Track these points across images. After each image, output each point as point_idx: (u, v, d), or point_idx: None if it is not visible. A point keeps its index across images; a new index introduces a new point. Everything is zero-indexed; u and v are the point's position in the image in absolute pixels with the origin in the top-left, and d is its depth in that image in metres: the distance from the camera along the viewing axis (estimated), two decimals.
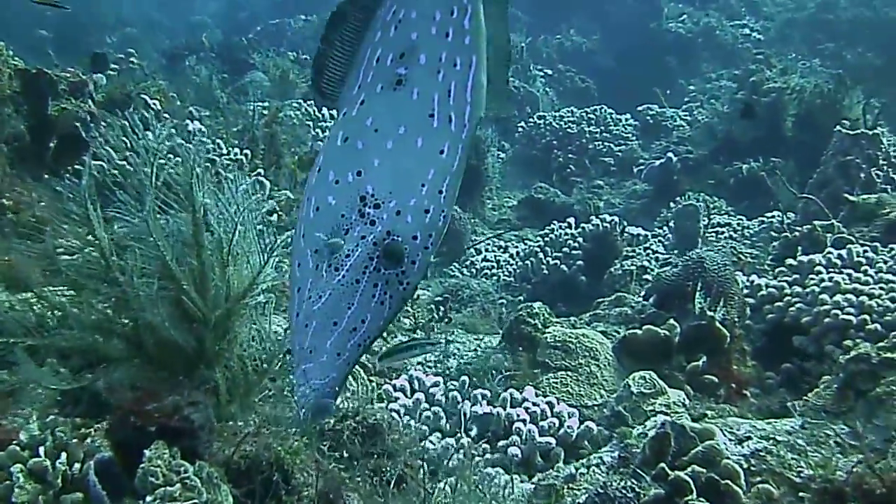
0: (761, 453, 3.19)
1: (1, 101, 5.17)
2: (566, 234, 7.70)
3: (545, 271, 7.51)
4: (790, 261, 5.50)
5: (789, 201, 8.33)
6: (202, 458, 2.35)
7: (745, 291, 5.30)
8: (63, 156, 5.22)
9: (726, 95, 11.99)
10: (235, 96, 9.29)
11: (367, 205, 1.76)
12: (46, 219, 3.15)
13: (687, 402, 4.14)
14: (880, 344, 3.95)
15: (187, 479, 2.23)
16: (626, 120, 12.06)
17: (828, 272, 5.17)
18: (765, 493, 2.98)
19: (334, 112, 7.35)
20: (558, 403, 4.15)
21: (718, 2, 17.46)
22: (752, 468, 3.13)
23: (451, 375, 4.67)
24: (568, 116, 11.87)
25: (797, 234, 6.58)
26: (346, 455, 2.70)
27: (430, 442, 3.84)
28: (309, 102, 8.36)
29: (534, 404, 4.08)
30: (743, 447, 3.26)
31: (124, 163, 2.61)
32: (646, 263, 7.34)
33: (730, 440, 3.31)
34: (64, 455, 2.33)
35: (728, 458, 3.07)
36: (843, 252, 5.36)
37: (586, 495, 3.04)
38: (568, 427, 4.00)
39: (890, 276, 5.05)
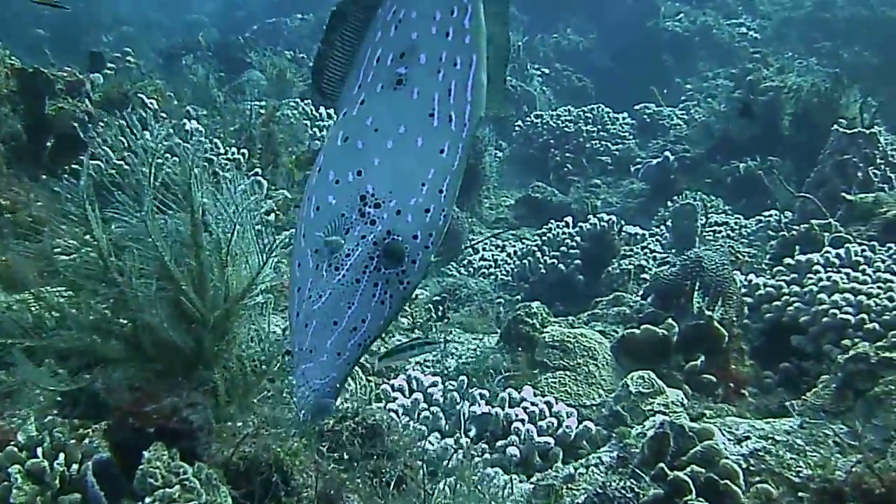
0: (760, 453, 3.20)
1: None
2: (564, 233, 7.68)
3: (543, 270, 7.49)
4: (788, 260, 5.49)
5: (787, 200, 8.34)
6: (201, 460, 2.35)
7: (743, 291, 5.29)
8: (60, 155, 5.21)
9: (723, 94, 11.96)
10: (232, 95, 9.25)
11: (367, 204, 1.76)
12: (44, 219, 3.14)
13: (685, 401, 4.13)
14: (879, 343, 3.93)
15: (186, 480, 2.23)
16: (623, 119, 12.05)
17: (826, 271, 5.17)
18: (764, 493, 2.98)
19: (332, 111, 7.37)
20: (557, 403, 4.15)
21: (715, 0, 17.47)
22: (751, 468, 3.14)
23: (449, 375, 4.66)
24: (565, 115, 11.85)
25: (795, 233, 6.57)
26: (345, 456, 2.70)
27: (429, 442, 3.83)
28: (306, 101, 8.32)
29: (532, 404, 4.08)
30: (742, 447, 3.27)
31: (122, 162, 2.60)
32: (643, 263, 7.33)
33: (728, 440, 3.32)
34: (62, 456, 2.33)
35: (727, 457, 3.07)
36: (841, 251, 5.36)
37: (585, 495, 3.04)
38: (566, 427, 4.00)
39: (888, 275, 5.05)
